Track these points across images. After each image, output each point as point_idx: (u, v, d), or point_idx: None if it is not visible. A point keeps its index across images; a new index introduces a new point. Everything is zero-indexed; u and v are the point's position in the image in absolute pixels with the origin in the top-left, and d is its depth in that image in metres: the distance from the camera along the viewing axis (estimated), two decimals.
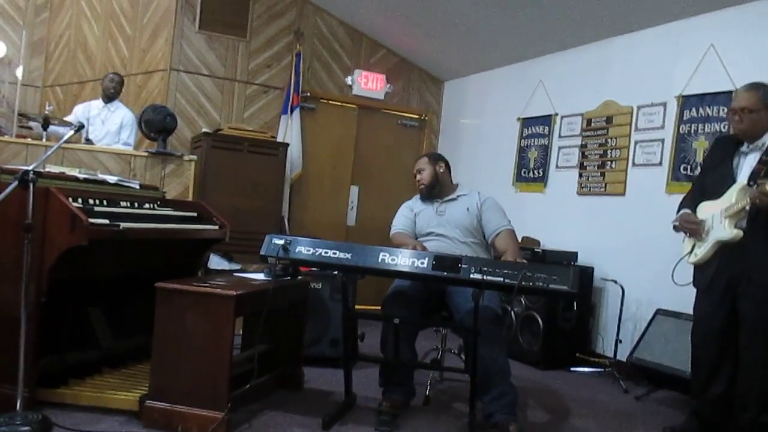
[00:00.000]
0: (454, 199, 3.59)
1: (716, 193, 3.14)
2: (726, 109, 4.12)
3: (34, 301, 2.60)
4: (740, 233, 2.99)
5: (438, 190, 3.59)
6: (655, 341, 4.04)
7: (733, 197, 3.03)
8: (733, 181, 3.09)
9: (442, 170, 3.59)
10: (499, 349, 3.07)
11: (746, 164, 3.10)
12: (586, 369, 4.66)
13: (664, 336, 4.00)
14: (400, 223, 3.64)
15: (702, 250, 3.16)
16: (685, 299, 3.63)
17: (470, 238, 3.47)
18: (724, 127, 4.12)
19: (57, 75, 6.75)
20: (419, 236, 3.57)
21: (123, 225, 2.77)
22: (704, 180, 3.32)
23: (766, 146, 3.03)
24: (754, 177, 3.00)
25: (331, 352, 3.99)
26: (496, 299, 3.22)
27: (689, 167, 4.32)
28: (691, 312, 3.48)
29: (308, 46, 6.27)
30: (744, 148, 3.14)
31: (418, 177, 3.62)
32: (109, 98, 5.27)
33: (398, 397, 3.25)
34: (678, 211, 3.37)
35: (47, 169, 3.09)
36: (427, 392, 3.54)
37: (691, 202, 3.32)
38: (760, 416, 2.99)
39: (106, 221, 2.71)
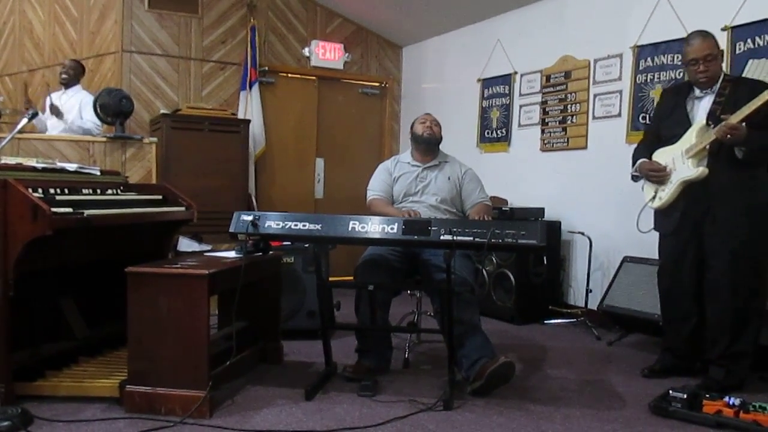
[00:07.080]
0: (436, 165, 3.61)
1: (674, 137, 3.21)
2: (680, 57, 4.19)
3: (2, 296, 2.56)
4: (706, 170, 3.08)
5: (434, 148, 3.66)
6: (623, 288, 4.15)
7: (693, 138, 3.11)
8: (690, 124, 3.17)
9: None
10: (472, 310, 3.13)
11: (701, 107, 3.19)
12: (559, 320, 4.78)
13: (632, 282, 4.11)
14: (377, 186, 3.63)
15: (666, 194, 3.22)
16: (650, 245, 3.73)
17: (444, 206, 3.51)
18: (679, 74, 4.19)
19: (5, 64, 6.52)
20: (395, 200, 3.58)
21: (87, 212, 2.71)
22: (659, 128, 3.39)
23: (717, 88, 3.12)
24: (712, 116, 3.08)
25: (308, 324, 4.01)
26: (468, 270, 3.25)
27: (647, 116, 4.38)
28: (656, 257, 3.57)
29: (262, 19, 6.15)
30: (698, 93, 3.21)
31: (430, 124, 3.66)
32: (64, 85, 5.12)
33: (368, 362, 3.28)
34: (633, 162, 3.43)
35: (3, 161, 3.01)
36: (406, 355, 3.59)
37: (646, 151, 3.38)
38: (730, 347, 3.11)
39: (70, 209, 2.66)
